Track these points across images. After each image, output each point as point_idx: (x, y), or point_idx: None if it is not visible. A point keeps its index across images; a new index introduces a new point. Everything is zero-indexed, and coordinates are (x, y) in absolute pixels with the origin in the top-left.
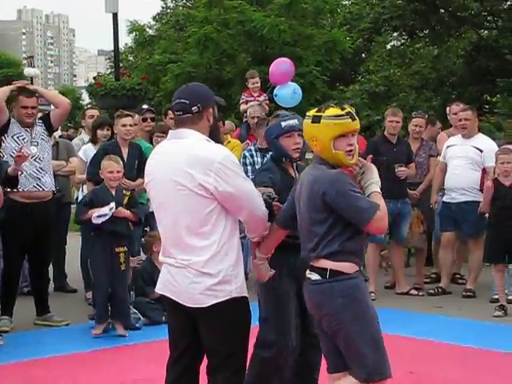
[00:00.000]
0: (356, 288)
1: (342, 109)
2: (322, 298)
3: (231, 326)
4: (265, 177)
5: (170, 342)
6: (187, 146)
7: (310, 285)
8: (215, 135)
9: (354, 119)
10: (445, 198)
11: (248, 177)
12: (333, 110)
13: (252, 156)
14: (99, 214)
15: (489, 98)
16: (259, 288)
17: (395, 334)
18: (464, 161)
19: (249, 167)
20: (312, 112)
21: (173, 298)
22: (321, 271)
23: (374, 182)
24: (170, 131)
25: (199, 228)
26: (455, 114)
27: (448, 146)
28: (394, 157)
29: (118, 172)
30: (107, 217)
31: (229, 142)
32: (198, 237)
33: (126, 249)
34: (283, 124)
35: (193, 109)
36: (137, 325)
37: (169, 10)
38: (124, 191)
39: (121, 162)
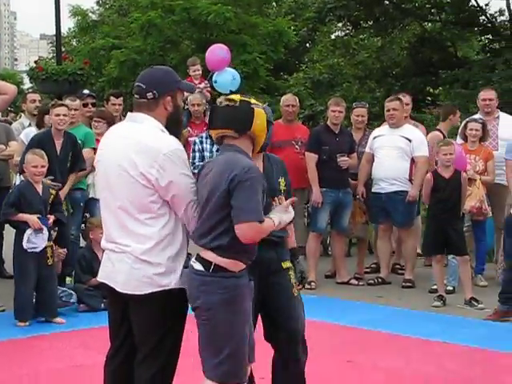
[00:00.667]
0: (236, 288)
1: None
2: (200, 290)
3: (165, 317)
4: None
5: (110, 332)
6: (139, 132)
7: (191, 273)
8: (173, 125)
9: None
10: (374, 189)
11: (194, 163)
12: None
13: (201, 142)
14: (32, 247)
15: (432, 89)
16: None
17: (335, 323)
18: (393, 150)
19: (197, 153)
20: (254, 101)
21: (111, 285)
22: (205, 263)
23: (277, 215)
24: (128, 113)
25: (140, 215)
26: (407, 104)
27: (375, 137)
28: (336, 147)
29: (43, 167)
30: (39, 249)
31: None
32: (138, 223)
33: (52, 243)
34: None
35: (147, 94)
36: (71, 300)
37: None
38: (50, 190)
39: (45, 157)
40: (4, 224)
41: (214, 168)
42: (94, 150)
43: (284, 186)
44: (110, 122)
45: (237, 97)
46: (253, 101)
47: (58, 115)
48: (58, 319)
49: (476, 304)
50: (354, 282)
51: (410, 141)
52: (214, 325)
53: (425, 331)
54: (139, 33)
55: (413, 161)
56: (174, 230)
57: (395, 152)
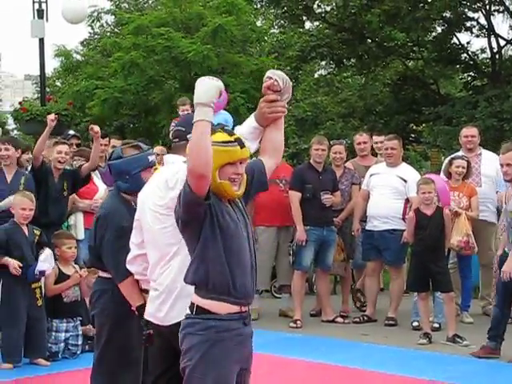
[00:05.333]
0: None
1: (231, 134)
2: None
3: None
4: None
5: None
6: (166, 171)
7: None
8: None
9: (242, 146)
10: (367, 227)
11: None
12: (220, 136)
13: None
14: (41, 270)
15: (415, 127)
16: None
17: (321, 362)
18: (387, 190)
19: None
20: None
21: None
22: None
23: None
24: (164, 157)
25: None
26: (358, 143)
27: (371, 175)
28: (319, 185)
29: (31, 210)
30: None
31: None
32: None
33: (41, 283)
34: (150, 158)
35: (188, 136)
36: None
37: (96, 36)
38: (34, 230)
39: (34, 200)
40: None
41: None
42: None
43: None
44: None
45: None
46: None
47: (60, 152)
48: (43, 361)
49: (460, 341)
50: (339, 320)
51: (405, 181)
52: (191, 368)
53: (411, 369)
54: (120, 71)
55: (407, 200)
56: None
57: (390, 191)
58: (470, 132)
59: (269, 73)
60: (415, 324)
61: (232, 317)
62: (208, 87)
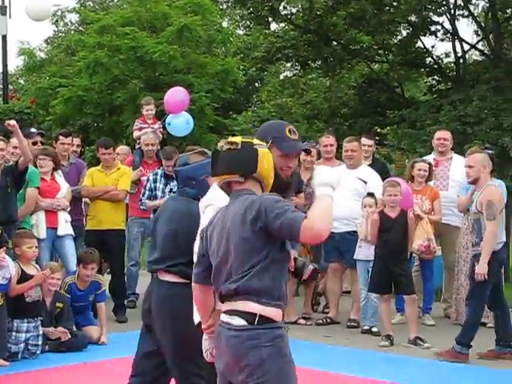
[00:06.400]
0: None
1: None
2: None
3: None
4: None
5: None
6: None
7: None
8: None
9: None
10: None
11: (141, 200)
12: None
13: (155, 181)
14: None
15: (379, 130)
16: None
17: None
18: (348, 191)
19: (147, 192)
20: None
21: None
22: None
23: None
24: None
25: None
26: (325, 145)
27: None
28: None
29: None
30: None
31: (118, 168)
32: None
33: None
34: None
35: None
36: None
37: (61, 34)
38: None
39: None
40: None
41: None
42: (38, 188)
43: None
44: (55, 159)
45: (238, 139)
46: (256, 141)
47: None
48: (2, 361)
49: (421, 343)
50: (301, 321)
51: (365, 183)
52: (269, 379)
53: (373, 371)
54: (85, 71)
55: None
56: None
57: (350, 193)
58: (442, 135)
59: None
60: (366, 328)
61: (282, 324)
62: (330, 175)
